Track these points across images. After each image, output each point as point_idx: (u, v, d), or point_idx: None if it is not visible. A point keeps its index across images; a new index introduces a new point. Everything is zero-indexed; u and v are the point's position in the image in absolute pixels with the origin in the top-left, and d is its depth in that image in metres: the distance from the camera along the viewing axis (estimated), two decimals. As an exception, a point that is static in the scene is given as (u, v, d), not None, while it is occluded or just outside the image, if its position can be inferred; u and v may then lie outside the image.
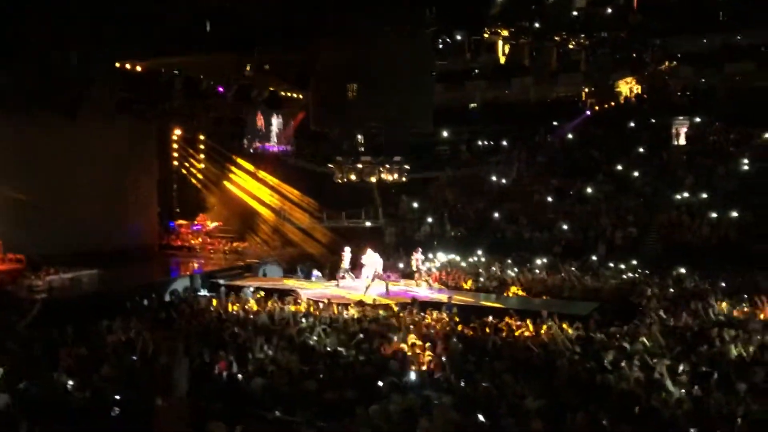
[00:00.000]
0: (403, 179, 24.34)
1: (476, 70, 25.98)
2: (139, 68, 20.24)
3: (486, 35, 16.30)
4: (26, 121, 19.88)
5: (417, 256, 20.65)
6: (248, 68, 20.80)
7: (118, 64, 19.46)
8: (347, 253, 20.31)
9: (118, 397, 8.57)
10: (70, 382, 8.89)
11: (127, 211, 24.28)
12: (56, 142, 20.91)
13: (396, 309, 16.33)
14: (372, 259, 19.90)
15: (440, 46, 16.92)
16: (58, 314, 15.64)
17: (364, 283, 19.40)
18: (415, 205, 27.81)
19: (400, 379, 9.81)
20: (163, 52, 19.16)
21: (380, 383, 9.55)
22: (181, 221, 26.96)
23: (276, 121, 28.81)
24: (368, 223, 26.31)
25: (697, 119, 28.10)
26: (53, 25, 16.55)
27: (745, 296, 15.83)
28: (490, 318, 15.39)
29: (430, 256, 22.70)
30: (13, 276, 18.17)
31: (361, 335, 13.21)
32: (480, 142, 31.09)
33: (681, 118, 27.97)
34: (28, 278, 18.18)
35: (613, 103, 29.31)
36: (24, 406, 6.71)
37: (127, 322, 15.12)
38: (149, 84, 20.58)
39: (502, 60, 17.35)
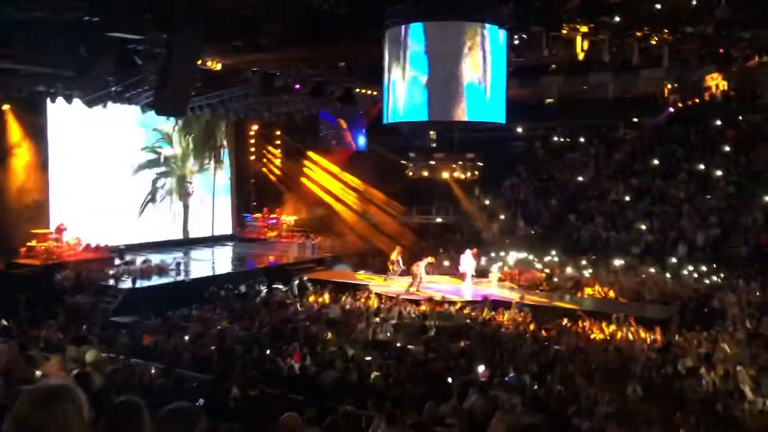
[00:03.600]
0: (476, 175, 24.14)
1: (553, 66, 25.45)
2: (219, 66, 20.84)
3: (564, 31, 15.91)
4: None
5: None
6: (323, 64, 21.05)
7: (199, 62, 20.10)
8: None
9: (195, 384, 8.92)
10: (153, 369, 9.29)
11: (208, 203, 25.25)
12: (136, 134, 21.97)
13: (467, 308, 16.28)
14: (469, 259, 19.60)
15: (516, 41, 16.65)
16: (141, 302, 16.42)
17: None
18: (487, 202, 27.56)
19: (470, 378, 9.79)
20: (241, 49, 19.65)
21: (450, 381, 9.56)
22: (257, 214, 27.64)
23: (350, 117, 29.12)
24: (439, 219, 26.26)
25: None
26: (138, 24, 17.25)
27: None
28: (564, 319, 15.13)
29: (502, 254, 22.44)
30: (99, 264, 19.08)
31: (432, 332, 13.25)
32: (555, 139, 30.48)
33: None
34: (113, 267, 19.07)
35: (697, 100, 28.13)
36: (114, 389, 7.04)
37: (204, 312, 15.72)
38: (226, 80, 21.16)
39: (581, 56, 16.90)
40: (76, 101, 18.85)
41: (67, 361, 8.00)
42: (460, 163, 23.13)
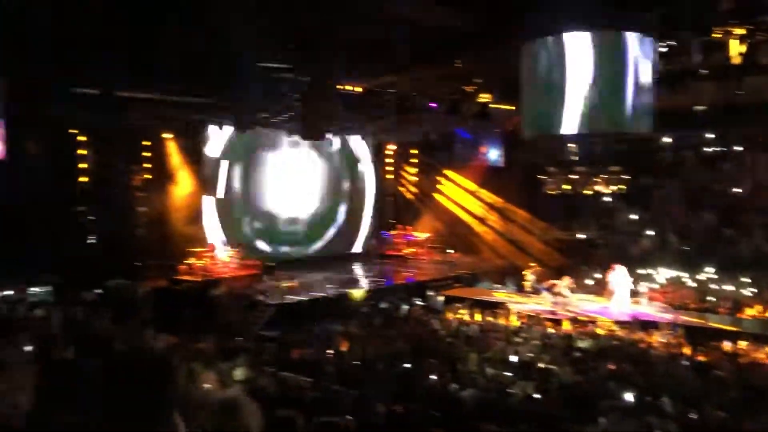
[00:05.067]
0: (621, 189, 23.08)
1: (704, 71, 23.86)
2: (357, 89, 21.56)
3: (717, 35, 14.85)
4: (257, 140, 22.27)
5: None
6: (465, 84, 21.20)
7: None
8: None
9: (343, 398, 9.16)
10: (303, 380, 9.66)
11: (348, 221, 26.11)
12: (280, 153, 23.21)
13: (614, 328, 15.57)
14: (620, 276, 18.74)
15: (663, 48, 15.81)
16: (289, 316, 17.20)
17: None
18: (634, 217, 26.22)
19: (619, 402, 9.33)
20: (377, 72, 20.22)
21: (598, 404, 9.16)
22: (394, 231, 28.13)
23: (486, 133, 28.97)
24: (581, 235, 25.33)
25: None
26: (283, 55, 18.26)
27: None
28: (722, 342, 14.06)
29: (651, 271, 21.23)
30: (251, 280, 20.23)
31: (577, 353, 12.78)
32: (708, 148, 28.47)
33: None
34: (263, 283, 20.13)
35: None
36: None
37: (347, 327, 16.16)
38: (366, 103, 21.84)
39: (735, 59, 15.69)
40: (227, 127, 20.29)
41: (221, 374, 8.50)
42: (603, 176, 22.21)
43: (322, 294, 19.86)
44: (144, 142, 21.28)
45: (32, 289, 16.90)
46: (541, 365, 12.10)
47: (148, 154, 21.43)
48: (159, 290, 19.02)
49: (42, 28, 14.53)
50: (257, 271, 21.12)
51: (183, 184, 21.82)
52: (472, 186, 27.84)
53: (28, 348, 9.94)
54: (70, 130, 19.70)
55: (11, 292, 15.21)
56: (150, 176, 21.46)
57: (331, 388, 9.61)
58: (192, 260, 20.29)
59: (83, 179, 20.09)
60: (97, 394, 1.44)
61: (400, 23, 16.78)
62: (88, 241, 20.17)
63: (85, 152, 20.06)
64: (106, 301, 17.24)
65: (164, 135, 21.49)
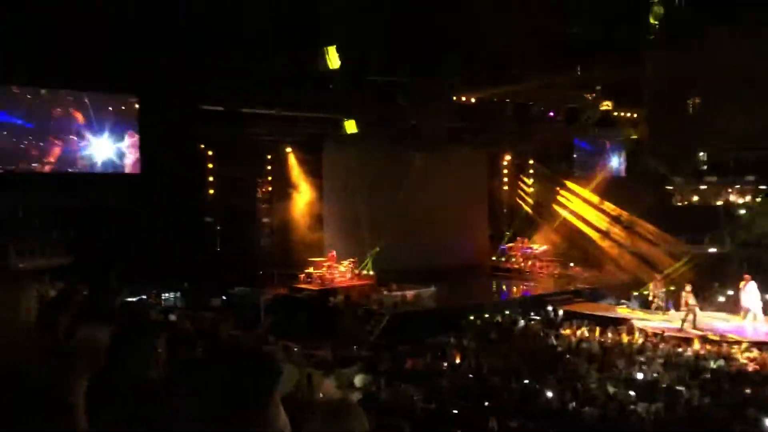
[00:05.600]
0: (757, 200, 21.50)
1: None
2: (473, 99, 21.45)
3: None
4: (372, 152, 22.63)
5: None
6: (585, 92, 20.63)
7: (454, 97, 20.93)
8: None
9: (456, 411, 9.07)
10: (415, 392, 9.66)
11: (462, 234, 25.85)
12: (395, 169, 23.36)
13: (750, 349, 14.43)
14: (753, 292, 17.32)
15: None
16: (402, 327, 17.27)
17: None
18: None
19: (756, 430, 8.62)
20: (497, 81, 20.04)
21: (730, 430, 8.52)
22: (511, 244, 27.61)
23: (606, 142, 27.95)
24: (712, 249, 23.74)
25: None
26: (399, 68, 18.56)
27: None
28: None
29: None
30: (365, 291, 20.54)
31: (707, 374, 11.96)
32: None
33: None
34: (378, 293, 20.35)
35: None
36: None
37: (461, 340, 16.00)
38: (480, 113, 21.71)
39: None
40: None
41: (337, 382, 8.65)
42: (737, 186, 20.76)
43: (436, 306, 19.79)
44: (266, 156, 22.26)
45: (164, 294, 18.00)
46: (666, 385, 11.42)
47: (271, 167, 22.40)
48: (279, 298, 19.74)
49: (172, 52, 15.62)
50: (373, 282, 21.41)
51: (303, 195, 22.57)
52: (593, 197, 26.82)
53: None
54: (198, 145, 20.94)
55: (145, 297, 16.28)
56: (272, 188, 22.41)
57: (444, 401, 9.53)
58: (311, 269, 20.89)
59: (210, 191, 21.29)
60: (219, 394, 1.49)
61: (526, 32, 16.61)
62: (215, 250, 21.30)
63: (211, 165, 21.25)
64: (231, 308, 18.10)
65: (286, 149, 22.34)
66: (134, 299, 15.38)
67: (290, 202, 22.47)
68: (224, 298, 19.09)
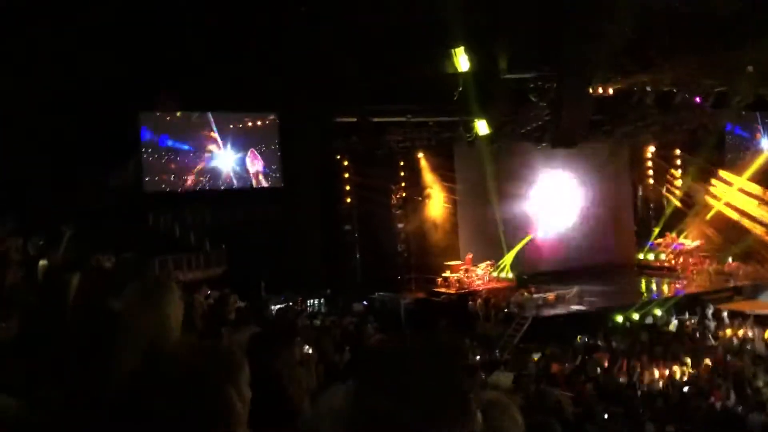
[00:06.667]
0: None
1: None
2: (611, 90, 20.49)
3: None
4: (506, 152, 22.31)
5: None
6: (735, 73, 19.16)
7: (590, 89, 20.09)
8: None
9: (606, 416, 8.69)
10: (563, 394, 9.35)
11: (605, 230, 24.80)
12: (529, 168, 22.91)
13: None
14: None
15: None
16: (545, 330, 16.80)
17: None
18: None
19: None
20: (631, 69, 19.02)
21: None
22: (659, 240, 26.06)
23: (763, 125, 25.71)
24: None
25: None
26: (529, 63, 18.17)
27: None
28: None
29: None
30: (506, 293, 20.18)
31: None
32: None
33: None
34: (518, 295, 19.93)
35: None
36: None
37: (609, 342, 15.29)
38: (620, 104, 20.66)
39: None
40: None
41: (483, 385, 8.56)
42: None
43: (581, 308, 19.10)
44: (400, 162, 22.59)
45: (309, 301, 18.73)
46: None
47: (404, 173, 22.70)
48: (419, 302, 19.91)
49: (305, 69, 16.33)
50: (512, 284, 21.00)
51: (437, 199, 22.66)
52: (750, 185, 24.68)
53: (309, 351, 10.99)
54: (335, 156, 21.63)
55: (291, 304, 17.02)
56: (406, 194, 22.70)
57: (592, 404, 9.15)
58: (447, 273, 20.87)
59: (348, 200, 21.93)
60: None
61: (655, 15, 15.71)
62: (355, 257, 21.90)
63: (347, 175, 21.88)
64: (373, 312, 18.53)
65: (417, 154, 22.54)
66: (282, 306, 16.15)
67: (424, 207, 22.65)
68: (365, 303, 19.55)
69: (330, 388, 2.00)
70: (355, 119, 19.68)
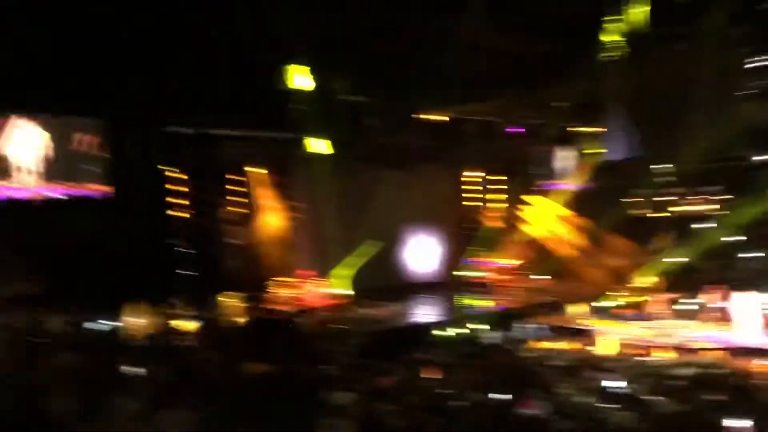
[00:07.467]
0: (717, 210, 22.07)
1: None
2: (438, 117, 21.75)
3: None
4: (341, 172, 22.77)
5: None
6: (545, 109, 21.09)
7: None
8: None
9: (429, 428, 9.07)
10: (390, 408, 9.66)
11: (433, 250, 26.16)
12: (363, 188, 23.58)
13: (721, 356, 14.76)
14: (746, 304, 17.23)
15: (756, 62, 15.18)
16: (375, 345, 17.24)
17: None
18: (731, 239, 24.83)
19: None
20: (460, 100, 20.34)
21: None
22: (478, 258, 27.79)
23: (568, 158, 28.43)
24: (678, 259, 24.20)
25: None
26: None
27: None
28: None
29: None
30: (340, 310, 20.48)
31: (679, 382, 12.17)
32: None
33: None
34: (351, 312, 20.33)
35: None
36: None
37: (431, 356, 15.99)
38: (449, 131, 22.02)
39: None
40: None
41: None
42: (699, 197, 21.28)
43: (410, 322, 19.84)
44: (234, 177, 22.18)
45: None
46: (637, 395, 11.61)
47: (237, 188, 22.32)
48: (251, 319, 19.60)
49: (137, 77, 15.60)
50: (346, 301, 21.37)
51: (272, 216, 22.53)
52: (558, 209, 27.25)
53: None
54: (167, 168, 20.78)
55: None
56: (240, 209, 22.33)
57: (416, 416, 9.55)
58: (281, 290, 20.77)
59: (179, 214, 21.09)
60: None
61: (477, 50, 16.89)
62: (186, 273, 21.07)
63: (180, 188, 21.09)
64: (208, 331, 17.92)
65: (254, 169, 22.29)
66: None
67: (260, 223, 22.39)
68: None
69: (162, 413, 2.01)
70: (190, 131, 19.12)
